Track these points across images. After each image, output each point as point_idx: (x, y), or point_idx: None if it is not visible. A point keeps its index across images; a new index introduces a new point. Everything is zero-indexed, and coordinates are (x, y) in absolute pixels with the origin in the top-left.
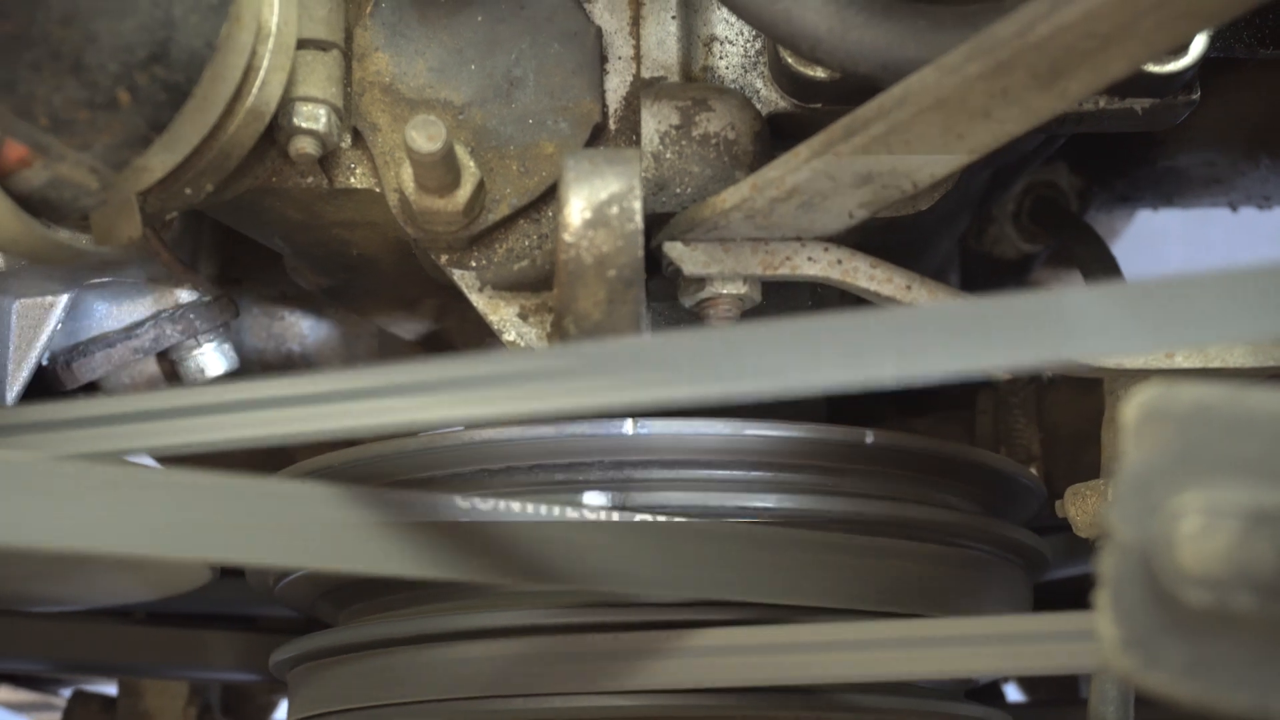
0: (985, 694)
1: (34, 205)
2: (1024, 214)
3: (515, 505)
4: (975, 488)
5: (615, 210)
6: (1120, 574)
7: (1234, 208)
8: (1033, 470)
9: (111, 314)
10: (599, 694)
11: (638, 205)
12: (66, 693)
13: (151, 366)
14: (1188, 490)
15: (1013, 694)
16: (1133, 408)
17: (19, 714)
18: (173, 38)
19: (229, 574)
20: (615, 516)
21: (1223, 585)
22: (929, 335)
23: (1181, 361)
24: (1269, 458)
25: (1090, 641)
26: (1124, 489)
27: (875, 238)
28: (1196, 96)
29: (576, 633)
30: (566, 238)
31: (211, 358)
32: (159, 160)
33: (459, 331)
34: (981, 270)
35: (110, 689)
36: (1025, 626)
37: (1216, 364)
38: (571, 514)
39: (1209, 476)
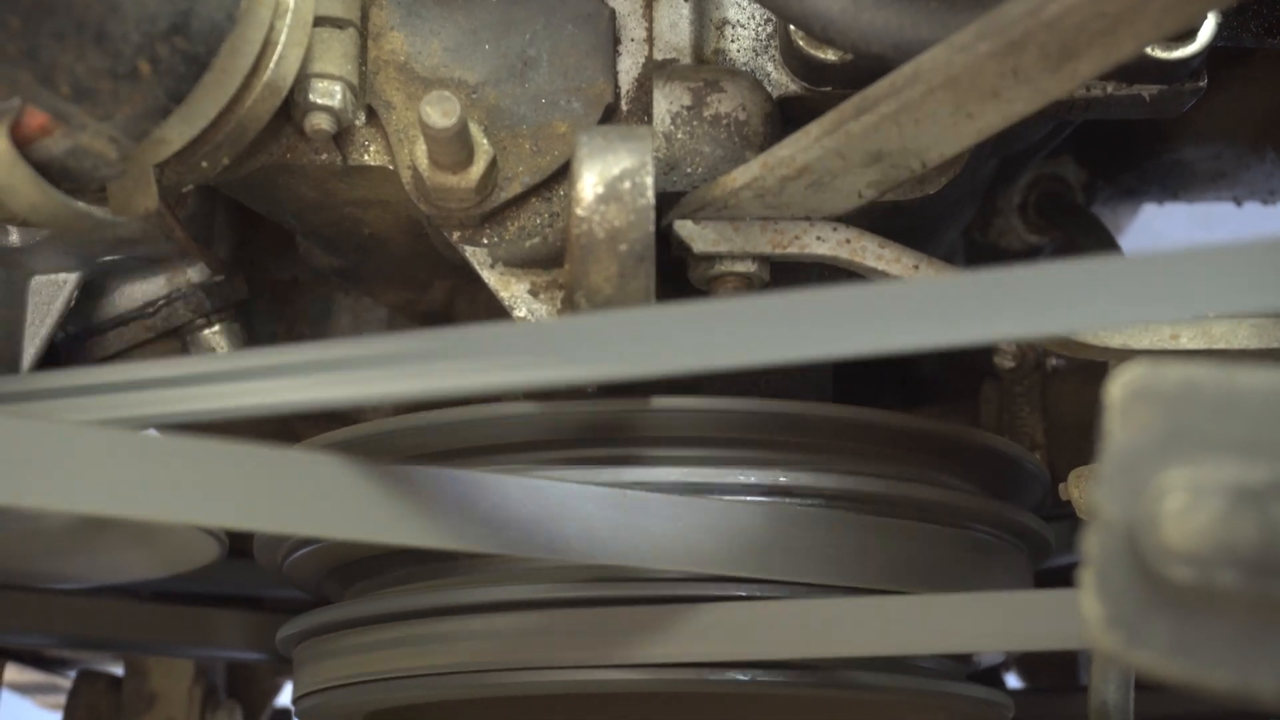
0: (985, 681)
1: (53, 174)
2: (1030, 206)
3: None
4: (979, 471)
5: (627, 185)
6: (1105, 552)
7: (1239, 202)
8: (1037, 458)
9: (124, 293)
10: (604, 668)
11: (649, 181)
12: (73, 674)
13: (164, 345)
14: (1174, 468)
15: (1012, 681)
16: (1118, 386)
17: (25, 696)
18: (193, 9)
19: (236, 555)
20: (620, 491)
21: (1206, 562)
22: (920, 307)
23: (1186, 343)
24: (1255, 435)
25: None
26: (1110, 467)
27: (882, 222)
28: (1204, 84)
29: (581, 607)
30: (579, 212)
31: (222, 338)
32: (177, 132)
33: (469, 315)
34: (987, 263)
35: (116, 669)
36: (1018, 604)
37: (1221, 345)
38: (576, 487)
39: (1195, 454)
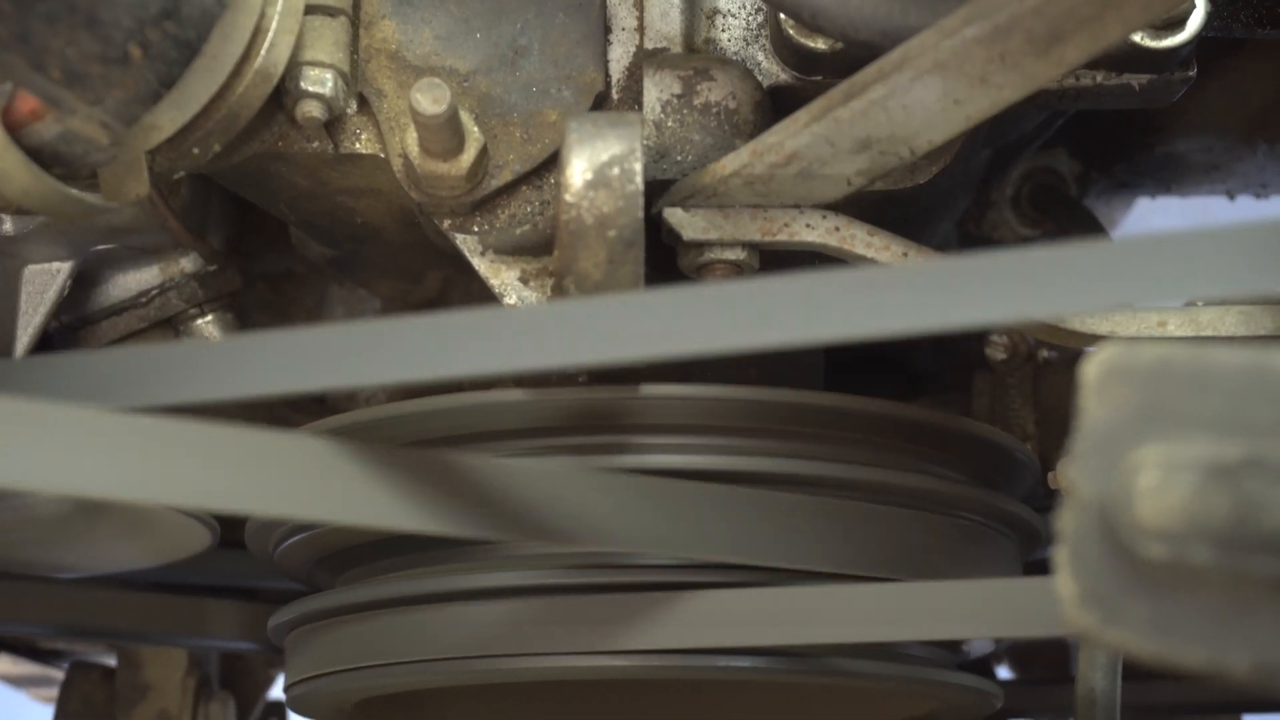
0: (976, 672)
1: (44, 159)
2: (1023, 199)
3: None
4: (970, 461)
5: (616, 171)
6: (1080, 530)
7: (1231, 196)
8: (1029, 449)
9: (118, 282)
10: (593, 654)
11: (638, 167)
12: (67, 666)
13: (157, 335)
14: (1147, 445)
15: (1004, 674)
16: (1094, 365)
17: (18, 688)
18: None
19: (229, 545)
20: (614, 477)
21: (1180, 539)
22: (904, 290)
23: (1174, 330)
24: (1228, 412)
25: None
26: (1084, 446)
27: (874, 212)
28: (1193, 74)
29: (572, 593)
30: (568, 198)
31: (215, 328)
32: (168, 118)
33: (462, 304)
34: None
35: (110, 661)
36: (1003, 590)
37: (1209, 332)
38: (571, 473)
39: (1170, 432)
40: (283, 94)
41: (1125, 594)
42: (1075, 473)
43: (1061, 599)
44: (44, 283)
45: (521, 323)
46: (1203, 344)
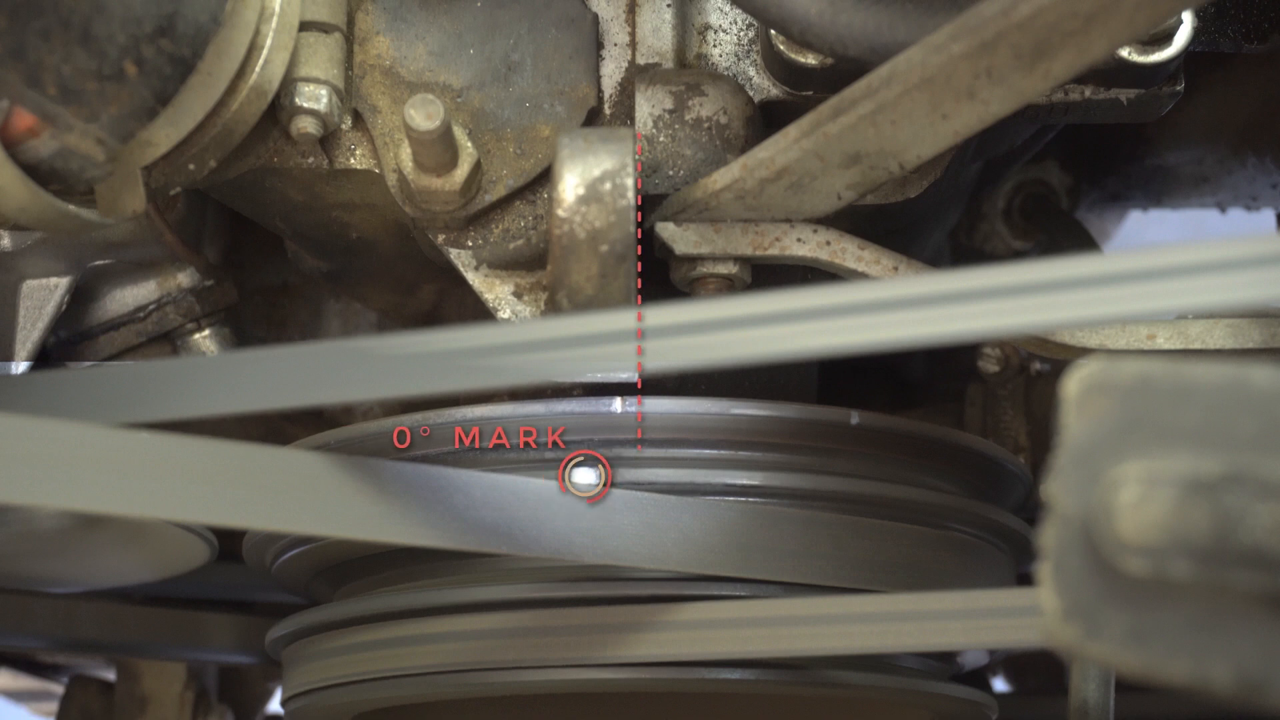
0: (970, 684)
1: (41, 175)
2: (1015, 211)
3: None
4: (961, 471)
5: (608, 186)
6: (1062, 545)
7: (1222, 209)
8: (1020, 460)
9: (115, 297)
10: (587, 666)
11: (630, 182)
12: (66, 680)
13: (154, 349)
14: (1128, 461)
15: (1000, 686)
16: (1074, 381)
17: (18, 703)
18: (179, 11)
19: (227, 558)
20: (605, 492)
21: (1160, 553)
22: (893, 305)
23: (1163, 343)
24: (1207, 427)
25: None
26: (1065, 460)
27: (866, 224)
28: (1181, 88)
29: (565, 606)
30: (560, 213)
31: (212, 342)
32: (164, 134)
33: (457, 317)
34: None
35: (109, 675)
36: (993, 601)
37: (1198, 345)
38: (561, 488)
39: (1149, 447)
40: (278, 110)
41: (1107, 607)
42: (1057, 487)
43: (1045, 613)
44: (42, 298)
45: (512, 338)
46: (1195, 359)
